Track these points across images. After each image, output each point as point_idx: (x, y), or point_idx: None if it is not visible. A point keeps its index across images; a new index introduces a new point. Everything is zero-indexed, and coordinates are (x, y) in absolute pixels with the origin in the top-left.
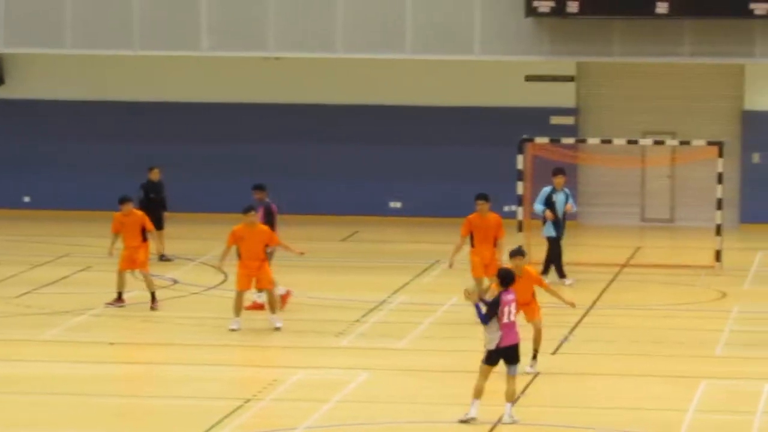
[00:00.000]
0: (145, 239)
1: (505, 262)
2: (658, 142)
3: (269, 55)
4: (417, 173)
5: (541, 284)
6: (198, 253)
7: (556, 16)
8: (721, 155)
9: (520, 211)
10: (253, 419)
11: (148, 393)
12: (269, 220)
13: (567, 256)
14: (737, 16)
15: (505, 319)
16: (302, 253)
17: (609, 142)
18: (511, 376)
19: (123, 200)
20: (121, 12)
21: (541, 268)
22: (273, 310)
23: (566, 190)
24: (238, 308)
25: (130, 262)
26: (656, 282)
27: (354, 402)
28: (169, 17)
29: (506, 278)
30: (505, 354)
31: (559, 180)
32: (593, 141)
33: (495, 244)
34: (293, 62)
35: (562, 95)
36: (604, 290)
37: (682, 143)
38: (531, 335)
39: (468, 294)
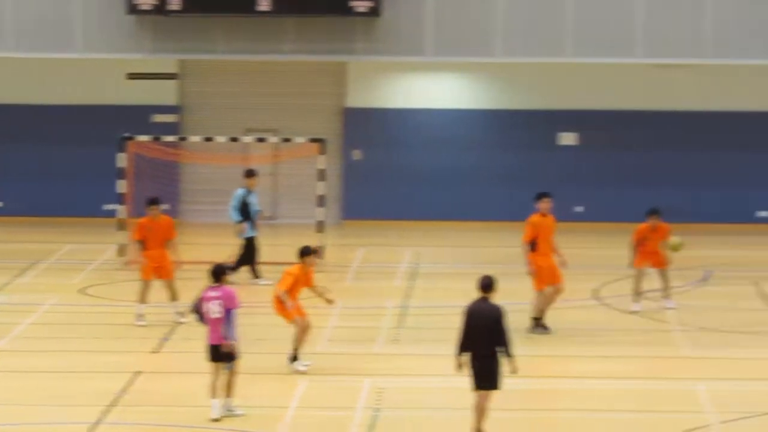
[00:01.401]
0: None
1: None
2: (260, 140)
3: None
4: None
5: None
6: None
7: (158, 13)
8: (322, 152)
9: (121, 210)
10: None
11: None
12: None
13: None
14: (338, 14)
15: (210, 316)
16: None
17: (211, 139)
18: (224, 372)
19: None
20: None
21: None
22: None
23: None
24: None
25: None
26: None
27: None
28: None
29: (216, 274)
30: (211, 351)
31: (252, 182)
32: (195, 139)
33: (167, 246)
34: None
35: (165, 93)
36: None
37: (284, 140)
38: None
39: None
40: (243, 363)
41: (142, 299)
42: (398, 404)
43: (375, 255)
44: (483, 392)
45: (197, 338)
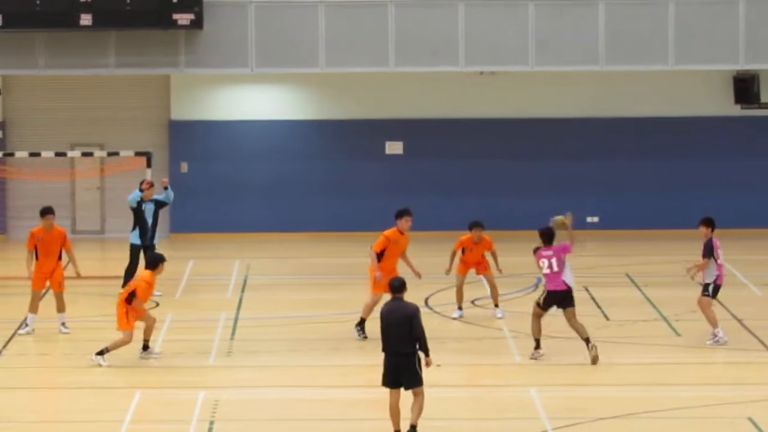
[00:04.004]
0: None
1: None
2: (86, 154)
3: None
4: None
5: None
6: None
7: None
8: (149, 165)
9: None
10: None
11: None
12: None
13: None
14: (161, 27)
15: None
16: None
17: (38, 155)
18: None
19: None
20: None
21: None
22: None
23: (158, 195)
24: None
25: None
26: (89, 294)
27: None
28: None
29: None
30: None
31: (149, 192)
32: (21, 154)
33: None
34: None
35: None
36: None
37: (110, 154)
38: None
39: None
40: (71, 378)
41: (33, 309)
42: (233, 416)
43: (204, 268)
44: (417, 389)
45: (31, 353)
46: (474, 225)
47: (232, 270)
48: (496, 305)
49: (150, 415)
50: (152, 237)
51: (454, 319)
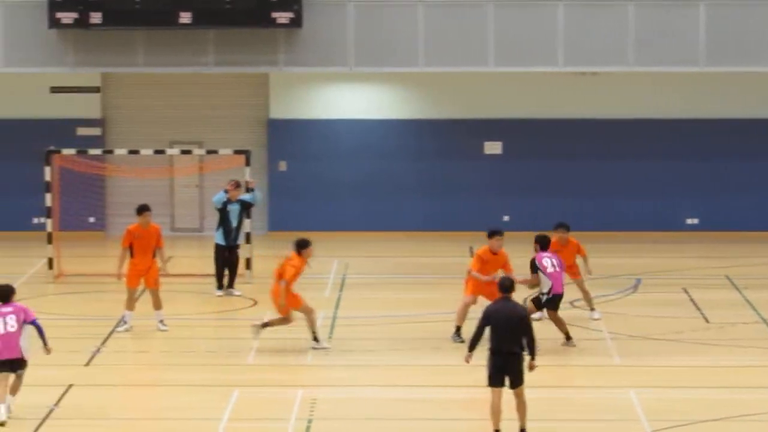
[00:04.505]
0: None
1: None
2: (185, 152)
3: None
4: None
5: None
6: None
7: (80, 27)
8: (248, 163)
9: (49, 223)
10: None
11: None
12: None
13: (91, 267)
14: (260, 26)
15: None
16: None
17: (136, 152)
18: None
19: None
20: None
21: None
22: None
23: (244, 196)
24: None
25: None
26: (187, 292)
27: None
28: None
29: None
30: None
31: (235, 192)
32: (120, 152)
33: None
34: None
35: (88, 106)
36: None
37: (209, 152)
38: None
39: None
40: (169, 375)
41: (130, 306)
42: (330, 415)
43: None
44: (520, 389)
45: (129, 350)
46: (558, 226)
47: (330, 269)
48: (592, 309)
49: (248, 413)
50: (236, 238)
51: (536, 320)
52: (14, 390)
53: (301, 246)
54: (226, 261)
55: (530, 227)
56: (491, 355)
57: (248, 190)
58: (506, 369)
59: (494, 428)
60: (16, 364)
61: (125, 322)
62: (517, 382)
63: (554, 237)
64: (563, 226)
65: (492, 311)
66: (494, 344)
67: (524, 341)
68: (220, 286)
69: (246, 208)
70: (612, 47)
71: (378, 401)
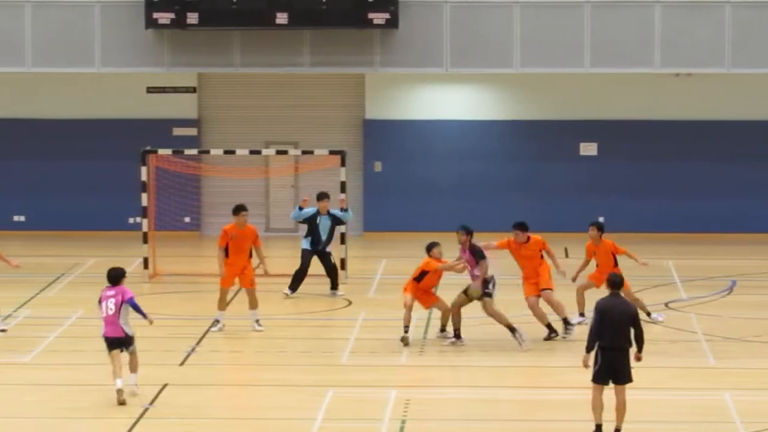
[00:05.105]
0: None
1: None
2: (280, 152)
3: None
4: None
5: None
6: None
7: (177, 27)
8: (343, 164)
9: (145, 223)
10: None
11: None
12: None
13: (186, 266)
14: (356, 27)
15: (102, 313)
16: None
17: (232, 152)
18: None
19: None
20: None
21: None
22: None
23: (334, 211)
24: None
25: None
26: (280, 292)
27: None
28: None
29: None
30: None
31: (323, 204)
32: (216, 152)
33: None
34: None
35: (184, 107)
36: (230, 301)
37: (304, 152)
38: None
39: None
40: (264, 375)
41: (222, 307)
42: (424, 415)
43: (397, 267)
44: (620, 387)
45: (223, 350)
46: (595, 225)
47: None
48: (648, 314)
49: (342, 413)
50: (325, 246)
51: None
52: (133, 367)
53: (427, 249)
54: (308, 266)
55: (626, 228)
56: (602, 352)
57: (343, 209)
58: (615, 365)
59: (596, 422)
60: (123, 342)
61: (218, 322)
62: (625, 379)
63: (589, 236)
64: (596, 225)
65: (605, 309)
66: (606, 341)
67: (632, 336)
68: (292, 288)
69: (336, 223)
70: (709, 48)
71: (471, 402)
